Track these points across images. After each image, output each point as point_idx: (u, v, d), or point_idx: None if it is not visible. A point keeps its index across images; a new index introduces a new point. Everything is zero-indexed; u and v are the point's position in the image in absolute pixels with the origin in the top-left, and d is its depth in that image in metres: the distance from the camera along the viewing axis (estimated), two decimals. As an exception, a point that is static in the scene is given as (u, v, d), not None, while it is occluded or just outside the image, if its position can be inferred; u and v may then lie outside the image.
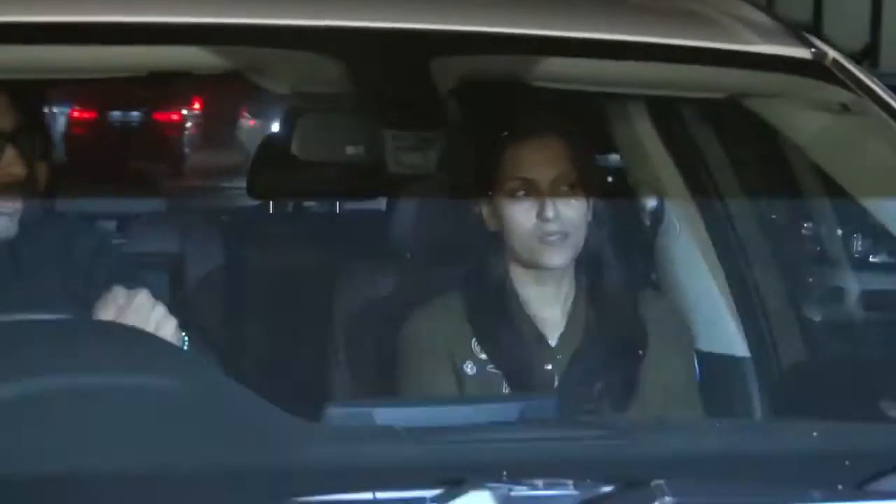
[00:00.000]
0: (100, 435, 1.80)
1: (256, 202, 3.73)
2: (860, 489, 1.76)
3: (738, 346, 2.98)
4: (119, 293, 2.22)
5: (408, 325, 2.75)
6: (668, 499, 1.67)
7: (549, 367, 2.72)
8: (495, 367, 2.69)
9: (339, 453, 1.84)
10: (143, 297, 2.20)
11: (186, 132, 17.27)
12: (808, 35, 2.46)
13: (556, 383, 2.70)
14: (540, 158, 2.64)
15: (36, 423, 1.79)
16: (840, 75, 2.38)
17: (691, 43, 2.35)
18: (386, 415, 2.01)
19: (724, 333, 2.98)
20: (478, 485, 1.68)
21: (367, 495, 1.68)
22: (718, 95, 2.51)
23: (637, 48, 2.31)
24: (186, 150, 16.72)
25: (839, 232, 3.11)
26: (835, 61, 2.40)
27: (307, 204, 3.69)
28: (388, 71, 2.16)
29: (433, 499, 1.67)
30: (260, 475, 1.77)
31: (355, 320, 2.96)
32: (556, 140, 2.66)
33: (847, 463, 1.81)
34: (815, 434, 1.90)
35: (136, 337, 2.08)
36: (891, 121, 2.33)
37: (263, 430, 1.90)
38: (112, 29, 2.14)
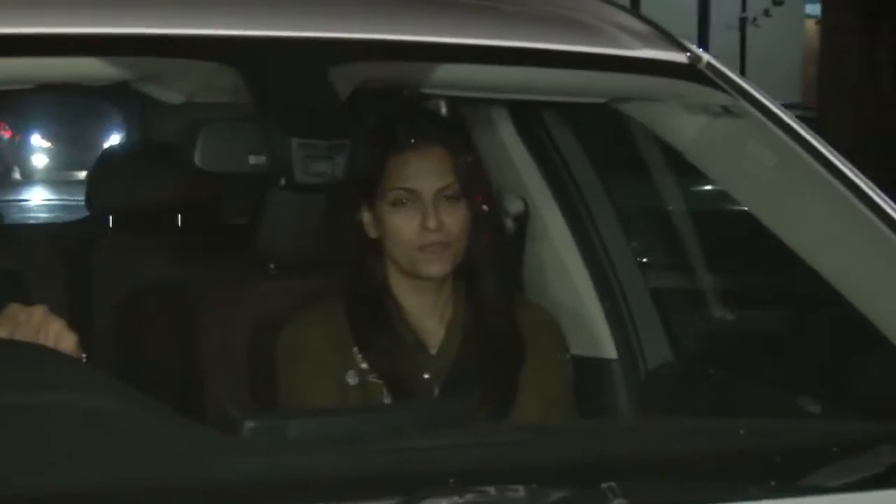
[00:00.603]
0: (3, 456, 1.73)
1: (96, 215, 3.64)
2: (794, 484, 1.80)
3: (606, 348, 3.01)
4: (16, 309, 2.14)
5: (286, 334, 2.73)
6: (619, 500, 1.69)
7: (428, 375, 2.72)
8: (376, 377, 2.68)
9: (270, 466, 1.80)
10: (40, 311, 2.13)
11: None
12: (682, 40, 2.51)
13: (437, 392, 2.70)
14: (423, 168, 2.65)
15: None
16: (715, 78, 2.45)
17: (570, 48, 2.39)
18: (301, 427, 1.99)
19: (593, 336, 3.01)
20: (431, 494, 1.67)
21: None
22: (597, 100, 2.54)
23: (518, 53, 2.34)
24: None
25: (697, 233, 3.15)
26: (709, 64, 2.47)
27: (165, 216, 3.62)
28: (287, 79, 2.13)
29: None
30: (185, 492, 1.72)
31: (230, 333, 2.91)
32: (440, 150, 2.67)
33: (777, 459, 1.85)
34: (741, 432, 1.93)
35: (38, 355, 2.01)
36: (766, 121, 2.41)
37: (181, 446, 1.86)
38: (2, 40, 2.07)
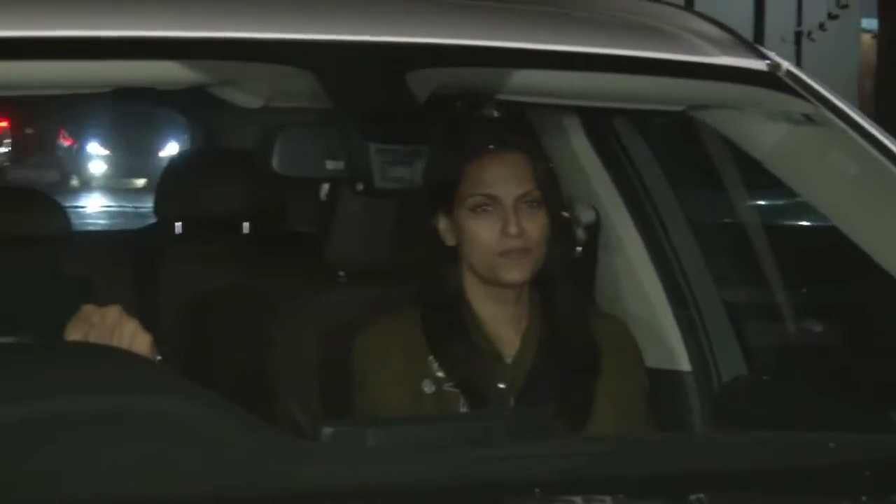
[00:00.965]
0: (83, 462, 1.71)
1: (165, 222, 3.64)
2: (886, 499, 1.76)
3: (680, 360, 2.98)
4: (90, 311, 2.12)
5: (360, 342, 2.70)
6: (708, 512, 1.65)
7: (503, 385, 2.68)
8: (452, 386, 2.65)
9: (354, 474, 1.78)
10: (115, 311, 2.11)
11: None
12: (761, 47, 2.48)
13: (512, 402, 2.67)
14: (504, 175, 2.62)
15: (12, 451, 1.70)
16: (794, 86, 2.41)
17: (648, 54, 2.37)
18: (381, 435, 1.96)
19: (666, 348, 2.98)
20: (519, 502, 1.65)
21: None
22: (675, 107, 2.52)
23: (594, 59, 2.32)
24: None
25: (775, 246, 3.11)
26: (788, 72, 2.44)
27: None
28: (364, 84, 2.11)
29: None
30: (263, 500, 1.70)
31: (299, 341, 2.90)
32: (520, 156, 2.64)
33: (867, 473, 1.81)
34: (831, 445, 1.89)
35: (115, 358, 1.99)
36: (848, 129, 2.37)
37: (260, 452, 1.84)
38: (80, 43, 2.06)
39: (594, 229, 3.03)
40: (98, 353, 2.03)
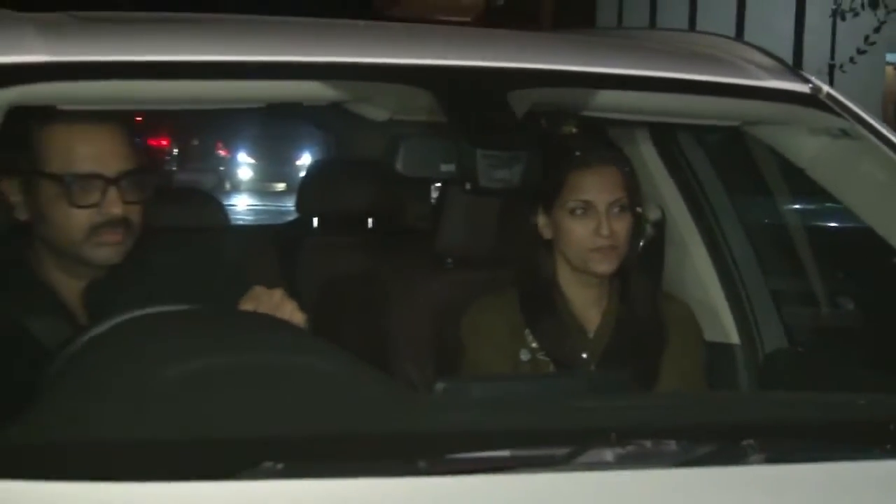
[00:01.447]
0: (259, 405, 1.76)
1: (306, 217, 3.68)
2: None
3: (730, 334, 2.97)
4: (260, 291, 2.17)
5: (469, 317, 2.73)
6: (757, 455, 1.66)
7: (586, 355, 2.70)
8: (544, 355, 2.67)
9: (466, 420, 1.80)
10: (279, 293, 2.18)
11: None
12: (805, 73, 2.47)
13: (593, 369, 2.68)
14: (600, 184, 2.65)
15: (207, 395, 1.75)
16: (833, 106, 2.40)
17: (711, 78, 2.36)
18: (485, 389, 1.98)
19: (719, 325, 2.97)
20: (597, 444, 1.66)
21: (506, 452, 1.65)
22: (732, 123, 2.51)
23: (666, 82, 2.32)
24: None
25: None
26: (828, 94, 2.42)
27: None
28: (473, 101, 2.14)
29: (562, 456, 1.65)
30: (405, 437, 1.73)
31: (415, 316, 2.93)
32: (614, 169, 2.67)
33: (892, 427, 1.80)
34: (861, 402, 1.89)
35: (281, 325, 2.04)
36: (879, 143, 2.35)
37: (397, 400, 1.87)
38: (238, 66, 2.10)
39: (661, 226, 3.03)
40: (265, 320, 2.09)
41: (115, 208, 2.27)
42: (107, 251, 2.30)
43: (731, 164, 3.06)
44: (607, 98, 2.27)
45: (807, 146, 2.46)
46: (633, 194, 2.68)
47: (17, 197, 2.31)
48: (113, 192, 2.27)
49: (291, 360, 1.84)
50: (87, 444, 1.69)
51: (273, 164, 21.84)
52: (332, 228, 3.63)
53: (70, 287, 2.35)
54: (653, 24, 17.06)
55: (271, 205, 18.30)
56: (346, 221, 3.63)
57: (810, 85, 2.41)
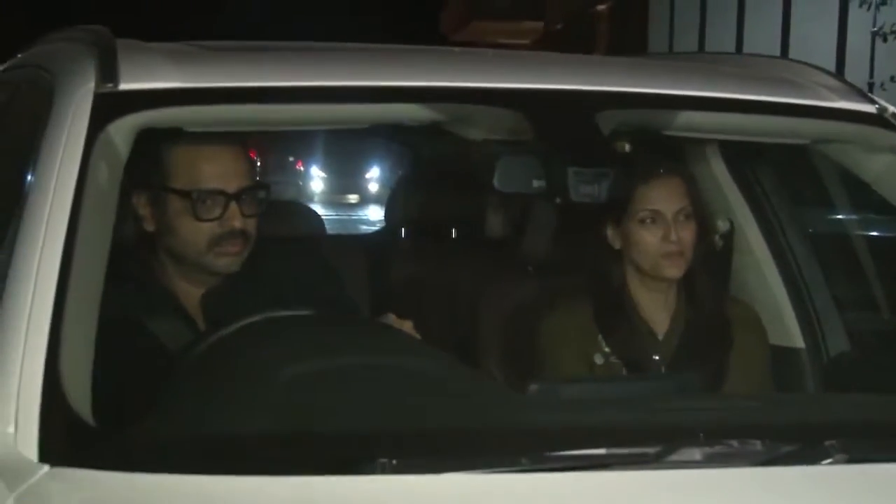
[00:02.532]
0: (373, 404, 1.78)
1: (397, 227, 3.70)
2: None
3: (795, 339, 2.95)
4: (392, 318, 2.30)
5: (547, 322, 2.74)
6: (839, 455, 1.65)
7: (657, 357, 2.69)
8: (616, 358, 2.67)
9: (560, 419, 1.81)
10: (409, 325, 2.30)
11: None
12: (870, 94, 2.46)
13: (664, 371, 2.68)
14: (666, 194, 2.66)
15: (326, 394, 1.77)
16: (899, 125, 2.38)
17: (783, 99, 2.36)
18: (579, 390, 1.99)
19: (785, 329, 2.95)
20: (687, 443, 1.66)
21: (601, 451, 1.65)
22: (802, 141, 2.49)
23: (745, 104, 2.32)
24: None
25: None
26: (893, 114, 2.40)
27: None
28: (561, 121, 2.14)
29: (655, 454, 1.65)
30: (509, 434, 1.73)
31: (502, 320, 2.94)
32: (678, 180, 2.67)
33: None
34: None
35: (395, 331, 2.09)
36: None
37: (485, 400, 1.88)
38: (347, 90, 2.13)
39: (730, 236, 3.02)
40: (379, 326, 2.12)
41: (236, 222, 2.34)
42: (227, 260, 2.37)
43: (796, 179, 3.04)
44: (689, 118, 2.27)
45: (873, 163, 2.43)
46: (697, 203, 2.68)
47: (145, 210, 2.37)
48: (233, 207, 2.34)
49: (404, 363, 1.86)
50: (212, 440, 1.72)
51: (342, 178, 22.05)
52: (418, 237, 3.64)
53: (190, 294, 2.41)
54: (701, 46, 16.98)
55: (343, 215, 18.42)
56: (431, 231, 3.64)
57: (877, 105, 2.40)
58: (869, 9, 11.80)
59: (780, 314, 2.96)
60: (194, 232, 2.33)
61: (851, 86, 2.46)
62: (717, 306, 2.74)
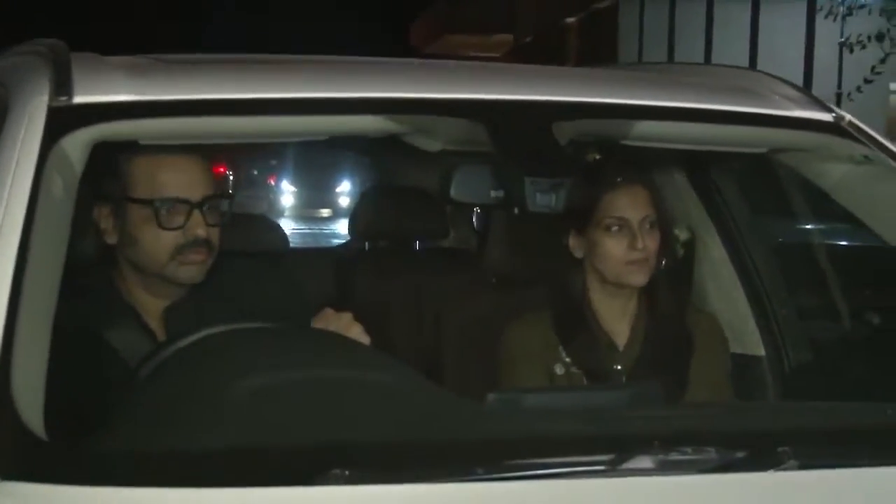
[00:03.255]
0: (329, 415, 1.77)
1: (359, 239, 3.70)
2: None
3: (757, 347, 2.96)
4: (330, 313, 2.23)
5: (507, 333, 2.74)
6: (792, 461, 1.65)
7: (618, 368, 2.70)
8: (577, 368, 2.67)
9: (515, 428, 1.80)
10: (348, 316, 2.23)
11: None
12: (828, 103, 2.47)
13: (624, 381, 2.68)
14: (632, 202, 2.67)
15: (280, 407, 1.76)
16: (855, 133, 2.40)
17: (740, 108, 2.38)
18: (537, 400, 1.99)
19: (746, 338, 2.97)
20: (640, 452, 1.66)
21: (555, 459, 1.65)
22: (760, 150, 2.50)
23: (703, 113, 2.33)
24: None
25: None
26: (850, 122, 2.42)
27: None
28: (520, 132, 2.15)
29: (605, 462, 1.65)
30: (462, 445, 1.73)
31: (464, 331, 2.94)
32: (642, 188, 2.69)
33: None
34: (889, 412, 1.88)
35: (349, 342, 2.07)
36: (897, 166, 2.35)
37: (454, 410, 1.87)
38: (304, 102, 2.13)
39: (690, 245, 3.04)
40: (333, 337, 2.11)
41: (199, 230, 2.33)
42: (190, 270, 2.36)
43: (755, 188, 3.06)
44: (646, 128, 2.28)
45: (831, 172, 2.45)
46: (661, 211, 2.70)
47: (107, 222, 2.37)
48: (197, 216, 2.33)
49: (358, 374, 1.86)
50: (168, 453, 1.70)
51: (312, 192, 22.05)
52: (381, 250, 3.64)
53: (151, 306, 2.40)
54: (671, 59, 17.07)
55: (314, 228, 18.41)
56: (394, 244, 3.64)
57: (833, 114, 2.41)
58: (835, 20, 11.92)
59: (742, 323, 2.98)
60: (157, 241, 2.32)
61: (809, 95, 2.47)
62: (678, 316, 2.75)
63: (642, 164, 2.81)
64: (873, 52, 11.39)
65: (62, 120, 1.95)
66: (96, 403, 1.88)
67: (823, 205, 2.57)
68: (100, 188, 2.32)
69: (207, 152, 2.40)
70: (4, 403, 1.60)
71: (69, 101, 1.98)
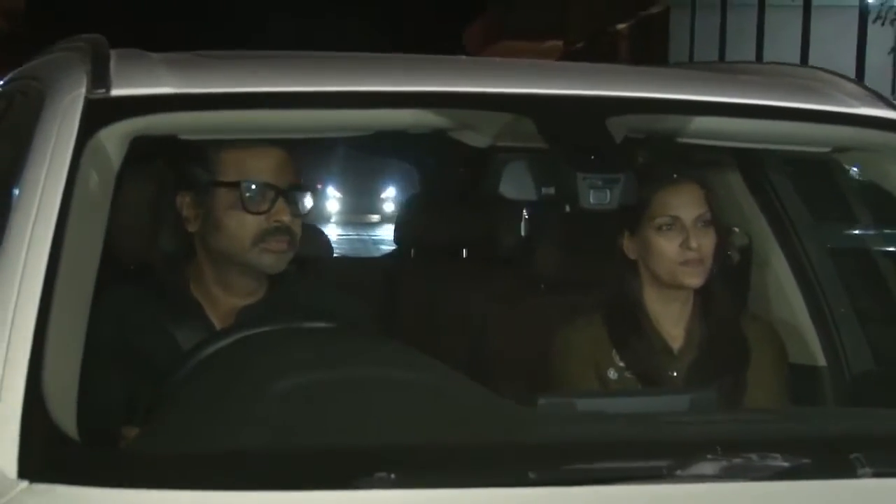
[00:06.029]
0: (374, 415, 1.72)
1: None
2: None
3: (816, 357, 2.88)
4: None
5: (560, 337, 2.67)
6: (865, 469, 1.58)
7: (675, 373, 2.62)
8: (631, 373, 2.60)
9: (574, 432, 1.74)
10: None
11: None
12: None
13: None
14: (685, 200, 2.59)
15: (324, 407, 1.72)
16: (922, 132, 2.31)
17: (805, 105, 2.30)
18: (592, 404, 1.93)
19: (805, 347, 2.88)
20: (703, 457, 1.59)
21: (618, 463, 1.59)
22: (823, 149, 2.42)
23: (762, 109, 2.25)
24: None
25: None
26: None
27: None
28: (572, 127, 2.09)
29: (668, 468, 1.58)
30: (515, 448, 1.67)
31: (513, 339, 2.88)
32: (696, 186, 2.62)
33: None
34: None
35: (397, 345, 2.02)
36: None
37: (493, 415, 1.81)
38: (347, 95, 2.08)
39: (747, 251, 2.95)
40: (378, 339, 2.06)
41: (284, 217, 2.31)
42: (272, 258, 2.33)
43: (814, 190, 2.97)
44: (702, 125, 2.20)
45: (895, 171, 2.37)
46: (715, 211, 2.62)
47: (189, 210, 2.35)
48: (281, 202, 2.31)
49: (405, 376, 1.81)
50: (203, 455, 1.66)
51: (359, 198, 22.05)
52: (429, 258, 3.59)
53: (223, 303, 2.37)
54: (721, 59, 16.94)
55: (360, 234, 18.41)
56: (442, 252, 3.59)
57: (900, 112, 2.34)
58: (883, 24, 11.79)
59: (801, 332, 2.89)
60: (241, 226, 2.30)
61: (873, 91, 2.39)
62: (734, 321, 2.66)
63: (696, 162, 2.73)
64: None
65: (99, 112, 1.91)
66: (137, 402, 1.85)
67: (888, 208, 2.48)
68: (183, 176, 2.32)
69: (290, 144, 2.37)
70: (36, 404, 1.56)
71: (107, 94, 1.95)
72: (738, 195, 2.97)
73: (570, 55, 22.75)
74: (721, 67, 2.66)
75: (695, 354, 2.63)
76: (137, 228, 2.42)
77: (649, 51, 18.63)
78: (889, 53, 12.01)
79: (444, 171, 3.81)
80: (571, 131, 2.08)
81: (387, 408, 1.73)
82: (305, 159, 2.69)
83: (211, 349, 1.96)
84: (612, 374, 2.60)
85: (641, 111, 2.15)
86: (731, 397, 2.58)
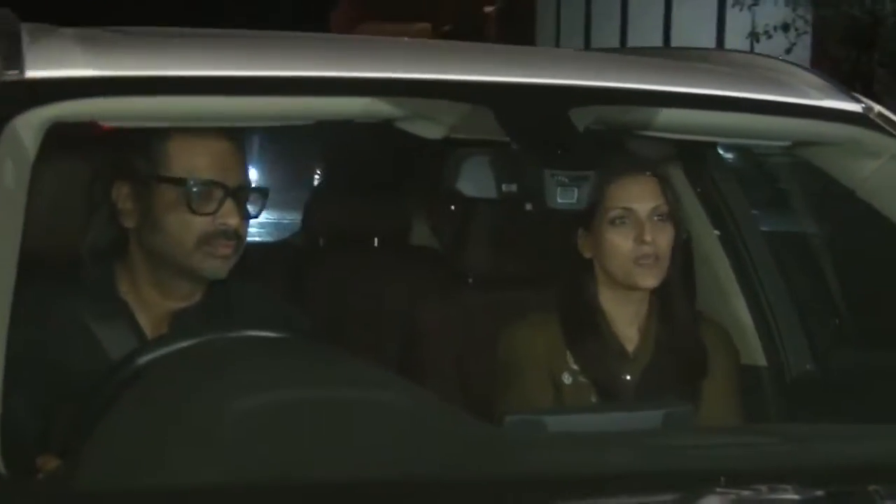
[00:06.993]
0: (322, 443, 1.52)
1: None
2: None
3: (757, 357, 2.77)
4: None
5: (509, 339, 2.49)
6: (887, 502, 1.44)
7: (629, 377, 2.48)
8: (585, 378, 2.44)
9: (551, 460, 1.57)
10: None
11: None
12: (857, 94, 2.29)
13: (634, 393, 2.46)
14: (639, 192, 2.44)
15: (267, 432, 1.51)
16: (884, 125, 2.22)
17: (765, 97, 2.19)
18: (560, 423, 1.76)
19: (746, 346, 2.77)
20: (708, 491, 1.44)
21: (616, 500, 1.43)
22: (784, 143, 2.30)
23: (726, 101, 2.13)
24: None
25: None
26: (879, 114, 2.24)
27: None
28: (536, 118, 1.92)
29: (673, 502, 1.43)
30: (458, 483, 1.49)
31: (444, 336, 2.70)
32: (652, 178, 2.46)
33: None
34: None
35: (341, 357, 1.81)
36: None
37: (458, 437, 1.63)
38: (286, 81, 1.88)
39: (688, 246, 2.82)
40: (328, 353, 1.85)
41: (232, 219, 2.08)
42: (215, 263, 2.10)
43: (757, 183, 2.87)
44: (665, 116, 2.06)
45: (856, 167, 2.26)
46: (672, 204, 2.47)
47: (126, 203, 2.10)
48: (230, 203, 2.08)
49: (373, 397, 1.60)
50: (143, 493, 1.45)
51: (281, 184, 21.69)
52: (337, 247, 3.40)
53: (155, 306, 2.13)
54: (587, 42, 17.03)
55: (287, 219, 18.03)
56: (351, 240, 3.40)
57: (862, 104, 2.23)
58: (741, 9, 11.96)
59: (742, 330, 2.78)
60: (184, 226, 2.07)
61: (835, 83, 2.29)
62: (691, 323, 2.52)
63: (651, 154, 2.58)
64: (780, 41, 11.42)
65: (13, 96, 1.68)
66: (64, 423, 1.62)
67: (832, 204, 2.38)
68: (121, 165, 2.07)
69: (240, 136, 2.15)
70: None
71: (20, 76, 1.72)
72: (679, 188, 2.85)
73: (438, 38, 22.66)
74: (672, 54, 2.52)
75: (649, 358, 2.49)
76: (64, 222, 2.18)
77: (516, 32, 18.63)
78: (747, 38, 12.16)
79: (357, 156, 3.61)
80: (535, 123, 1.91)
81: (353, 434, 1.54)
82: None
83: (143, 360, 1.73)
84: (566, 378, 2.44)
85: (611, 102, 1.99)
86: (688, 403, 2.43)
